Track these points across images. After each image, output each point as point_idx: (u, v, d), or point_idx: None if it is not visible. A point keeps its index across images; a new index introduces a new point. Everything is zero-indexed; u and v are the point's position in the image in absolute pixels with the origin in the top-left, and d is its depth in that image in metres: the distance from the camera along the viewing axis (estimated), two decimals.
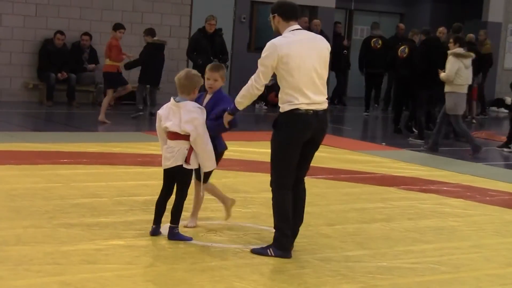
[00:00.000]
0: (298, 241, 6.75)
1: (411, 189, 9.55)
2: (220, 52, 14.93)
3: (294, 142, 6.22)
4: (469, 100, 17.67)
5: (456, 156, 12.75)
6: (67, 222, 6.84)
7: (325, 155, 11.44)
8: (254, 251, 6.34)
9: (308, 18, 18.88)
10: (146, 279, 5.52)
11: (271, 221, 6.59)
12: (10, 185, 8.18)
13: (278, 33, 6.33)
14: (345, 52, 20.05)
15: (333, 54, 18.74)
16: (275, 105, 7.31)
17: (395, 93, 16.74)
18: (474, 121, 18.15)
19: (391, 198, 8.90)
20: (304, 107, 6.17)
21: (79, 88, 16.34)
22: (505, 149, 13.84)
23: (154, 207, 7.43)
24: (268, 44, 6.23)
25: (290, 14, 6.31)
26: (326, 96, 6.36)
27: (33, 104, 16.04)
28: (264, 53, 6.21)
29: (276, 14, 6.30)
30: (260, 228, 7.14)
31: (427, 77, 14.11)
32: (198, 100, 6.72)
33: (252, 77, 6.29)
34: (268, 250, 6.28)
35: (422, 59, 14.39)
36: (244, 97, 6.32)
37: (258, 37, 19.61)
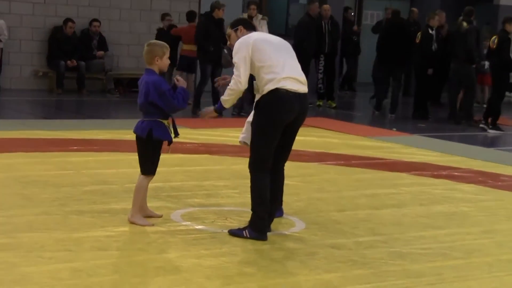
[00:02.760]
0: (309, 227, 6.77)
1: (422, 174, 9.52)
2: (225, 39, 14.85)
3: (276, 124, 6.22)
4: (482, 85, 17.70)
5: (468, 141, 12.72)
6: (78, 209, 6.84)
7: (336, 141, 11.43)
8: (231, 232, 6.36)
9: (318, 3, 18.79)
10: (157, 266, 5.52)
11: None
12: (22, 172, 8.19)
13: None
14: (355, 38, 19.96)
15: (343, 40, 18.97)
16: None
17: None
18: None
19: (402, 184, 8.87)
20: (287, 85, 6.18)
21: (89, 76, 16.33)
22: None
23: (163, 194, 7.45)
24: (236, 43, 6.40)
25: (250, 25, 6.68)
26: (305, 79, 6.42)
27: (43, 92, 16.04)
28: (235, 52, 6.33)
29: (240, 26, 6.58)
30: None
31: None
32: None
33: (233, 76, 6.38)
34: (244, 232, 6.30)
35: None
36: (227, 101, 6.39)
37: (269, 21, 19.50)
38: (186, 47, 15.31)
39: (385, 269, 5.76)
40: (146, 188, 6.65)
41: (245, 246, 6.11)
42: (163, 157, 6.64)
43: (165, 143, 6.59)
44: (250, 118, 6.80)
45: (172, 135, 6.57)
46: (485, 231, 7.08)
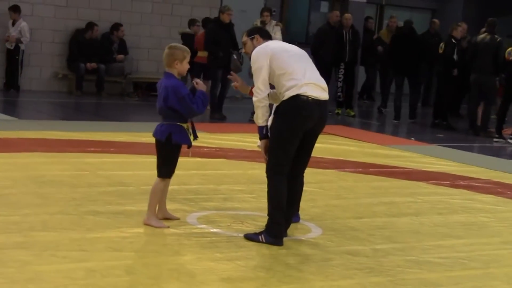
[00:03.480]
0: (326, 233, 6.71)
1: (440, 184, 9.43)
2: (234, 43, 14.74)
3: (295, 130, 6.16)
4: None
5: (487, 153, 12.62)
6: (94, 210, 6.82)
7: (354, 149, 11.37)
8: (246, 237, 6.30)
9: (340, 12, 18.75)
10: (171, 268, 5.47)
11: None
12: (38, 171, 8.18)
13: None
14: (380, 48, 19.85)
15: (363, 49, 18.90)
16: None
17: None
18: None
19: (420, 193, 8.79)
20: (308, 91, 6.12)
21: (108, 79, 16.35)
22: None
23: (180, 197, 7.41)
24: (254, 52, 6.33)
25: (266, 34, 6.62)
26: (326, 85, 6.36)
27: (63, 94, 16.10)
28: (253, 61, 6.28)
29: (256, 35, 6.50)
30: None
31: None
32: None
33: (253, 88, 6.35)
34: (260, 237, 6.24)
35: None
36: (258, 115, 6.30)
37: (288, 29, 19.49)
38: (200, 54, 15.21)
39: (402, 277, 5.69)
40: (164, 190, 6.61)
41: (260, 251, 6.06)
42: (181, 160, 6.60)
43: (185, 146, 6.55)
44: (268, 123, 6.74)
45: (192, 138, 6.53)
46: (504, 241, 6.99)
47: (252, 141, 11.47)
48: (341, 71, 16.70)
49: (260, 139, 6.38)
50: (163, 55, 6.54)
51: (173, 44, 6.69)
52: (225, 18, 14.39)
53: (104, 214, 6.71)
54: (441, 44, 15.44)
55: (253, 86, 6.58)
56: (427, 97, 19.80)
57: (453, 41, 15.25)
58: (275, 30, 14.21)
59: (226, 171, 9.15)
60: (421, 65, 16.53)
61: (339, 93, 16.82)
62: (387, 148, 12.00)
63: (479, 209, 8.19)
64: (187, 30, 15.89)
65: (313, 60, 6.56)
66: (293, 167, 6.32)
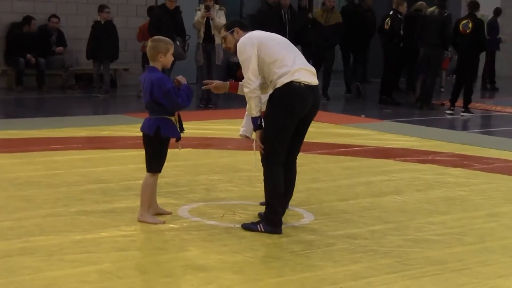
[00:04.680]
0: (318, 218, 6.76)
1: (408, 160, 9.58)
2: (180, 30, 14.59)
3: (291, 117, 6.18)
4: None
5: (439, 125, 12.87)
6: (83, 210, 6.70)
7: (312, 130, 11.36)
8: (244, 227, 6.31)
9: None
10: (182, 264, 5.43)
11: None
12: (12, 173, 7.99)
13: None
14: (310, 26, 19.93)
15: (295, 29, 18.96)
16: None
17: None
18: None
19: (392, 171, 8.91)
20: (301, 77, 6.14)
21: (49, 72, 16.02)
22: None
23: (162, 190, 7.33)
24: (239, 43, 6.27)
25: (245, 25, 6.55)
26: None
27: (2, 90, 15.69)
28: (240, 52, 6.22)
29: (236, 28, 6.44)
30: None
31: None
32: None
33: (242, 82, 6.33)
34: (258, 226, 6.26)
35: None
36: (251, 106, 6.25)
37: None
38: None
39: (407, 257, 5.77)
40: (155, 185, 6.55)
41: (262, 240, 6.06)
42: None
43: (173, 139, 6.50)
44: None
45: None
46: (489, 214, 7.15)
47: (211, 128, 11.46)
48: None
49: (255, 130, 6.36)
50: (147, 48, 6.46)
51: (156, 37, 6.61)
52: (171, 4, 14.24)
53: (95, 213, 6.61)
54: (387, 19, 15.57)
55: (230, 81, 6.56)
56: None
57: (399, 16, 15.44)
58: (219, 14, 14.14)
59: (197, 161, 9.08)
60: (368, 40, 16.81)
61: None
62: (343, 127, 12.11)
63: (454, 183, 8.35)
64: (97, 18, 15.59)
65: None
66: (286, 155, 6.33)
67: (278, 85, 6.15)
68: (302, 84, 6.14)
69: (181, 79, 6.41)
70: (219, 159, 9.29)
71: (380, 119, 13.47)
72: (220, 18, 14.08)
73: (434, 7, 14.92)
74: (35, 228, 6.10)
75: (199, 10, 14.16)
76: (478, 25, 14.42)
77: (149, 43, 6.46)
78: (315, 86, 6.28)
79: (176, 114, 6.46)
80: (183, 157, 9.18)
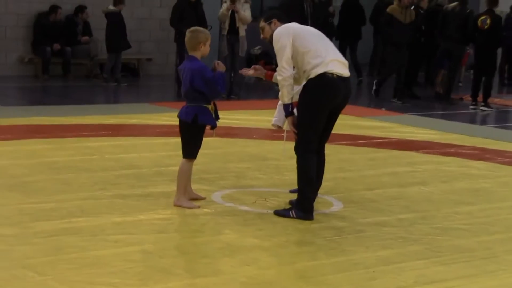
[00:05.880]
0: (347, 206, 6.97)
1: (431, 152, 9.77)
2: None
3: (323, 107, 6.39)
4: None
5: (459, 119, 13.04)
6: (121, 193, 6.93)
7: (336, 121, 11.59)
8: (276, 213, 6.53)
9: None
10: (220, 246, 5.65)
11: None
12: (49, 158, 8.23)
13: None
14: (330, 19, 20.13)
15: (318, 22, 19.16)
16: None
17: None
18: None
19: (417, 162, 9.10)
20: (334, 69, 6.35)
21: (74, 61, 16.26)
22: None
23: (195, 177, 7.53)
24: (275, 33, 6.51)
25: (283, 17, 6.78)
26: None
27: (29, 78, 15.92)
28: (275, 41, 6.46)
29: (274, 19, 6.70)
30: None
31: None
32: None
33: (276, 73, 6.59)
34: (290, 212, 6.48)
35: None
36: (283, 93, 6.46)
37: None
38: None
39: (436, 244, 5.97)
40: (190, 171, 6.77)
41: (295, 226, 6.27)
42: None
43: (208, 127, 6.72)
44: (280, 101, 6.94)
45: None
46: None
47: (235, 118, 11.66)
48: None
49: (286, 116, 6.57)
50: (186, 38, 6.67)
51: (194, 27, 6.83)
52: None
53: (132, 197, 6.84)
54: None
55: (268, 70, 6.77)
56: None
57: (421, 11, 15.60)
58: (245, 7, 14.32)
59: (225, 149, 9.29)
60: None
61: None
62: (365, 120, 12.30)
63: (477, 176, 8.54)
64: (112, 8, 15.74)
65: None
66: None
67: (312, 76, 6.36)
68: (335, 75, 6.35)
69: (221, 65, 6.64)
70: (246, 148, 9.50)
71: (399, 112, 13.63)
72: (245, 11, 14.27)
73: (456, 3, 15.06)
74: (76, 209, 6.34)
75: (225, 2, 14.35)
76: (497, 21, 14.60)
77: (188, 34, 6.67)
78: (347, 78, 6.48)
79: (212, 102, 6.68)
80: (212, 146, 9.40)
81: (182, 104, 6.74)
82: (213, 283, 4.89)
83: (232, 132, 10.50)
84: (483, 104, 14.65)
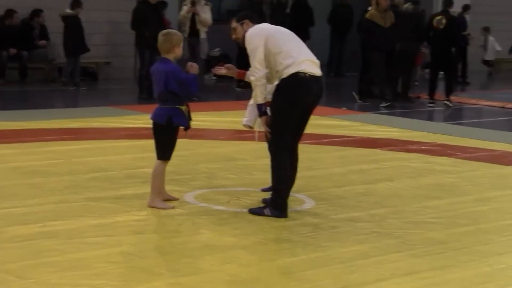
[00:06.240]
0: (319, 203, 7.05)
1: (394, 149, 9.92)
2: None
3: (296, 106, 6.48)
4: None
5: (418, 117, 13.25)
6: (93, 196, 6.94)
7: None
8: (251, 211, 6.60)
9: None
10: (199, 246, 5.69)
11: None
12: (15, 163, 8.19)
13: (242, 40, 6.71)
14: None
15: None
16: (223, 76, 7.73)
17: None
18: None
19: (381, 159, 9.24)
20: (306, 68, 6.44)
21: (31, 66, 16.16)
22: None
23: (166, 178, 7.51)
24: (248, 34, 6.56)
25: (255, 18, 6.84)
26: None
27: None
28: (248, 42, 6.53)
29: (246, 20, 6.73)
30: None
31: None
32: None
33: (248, 72, 6.67)
34: (264, 210, 6.55)
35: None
36: (257, 93, 6.54)
37: None
38: None
39: (410, 238, 6.09)
40: (163, 172, 6.80)
41: (271, 224, 6.34)
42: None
43: (181, 128, 6.76)
44: (251, 101, 7.01)
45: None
46: (478, 199, 7.50)
47: (198, 120, 11.66)
48: None
49: (260, 116, 6.64)
50: (159, 42, 6.69)
51: (166, 30, 6.88)
52: None
53: (105, 199, 6.84)
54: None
55: (241, 69, 6.85)
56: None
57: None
58: (205, 9, 14.39)
59: (194, 151, 9.31)
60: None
61: None
62: (326, 119, 12.40)
63: (441, 171, 8.70)
64: (69, 11, 15.67)
65: None
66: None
67: (284, 76, 6.44)
68: (307, 75, 6.44)
69: (195, 67, 6.68)
70: (214, 149, 9.56)
71: (360, 111, 13.80)
72: (206, 13, 14.33)
73: (409, 3, 15.32)
74: (50, 213, 6.33)
75: (185, 5, 14.38)
76: (452, 21, 14.90)
77: (161, 37, 6.70)
78: (319, 77, 6.57)
79: (185, 104, 6.72)
80: (181, 147, 9.40)
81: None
82: (198, 281, 4.94)
83: (198, 134, 10.52)
84: (447, 99, 14.93)
